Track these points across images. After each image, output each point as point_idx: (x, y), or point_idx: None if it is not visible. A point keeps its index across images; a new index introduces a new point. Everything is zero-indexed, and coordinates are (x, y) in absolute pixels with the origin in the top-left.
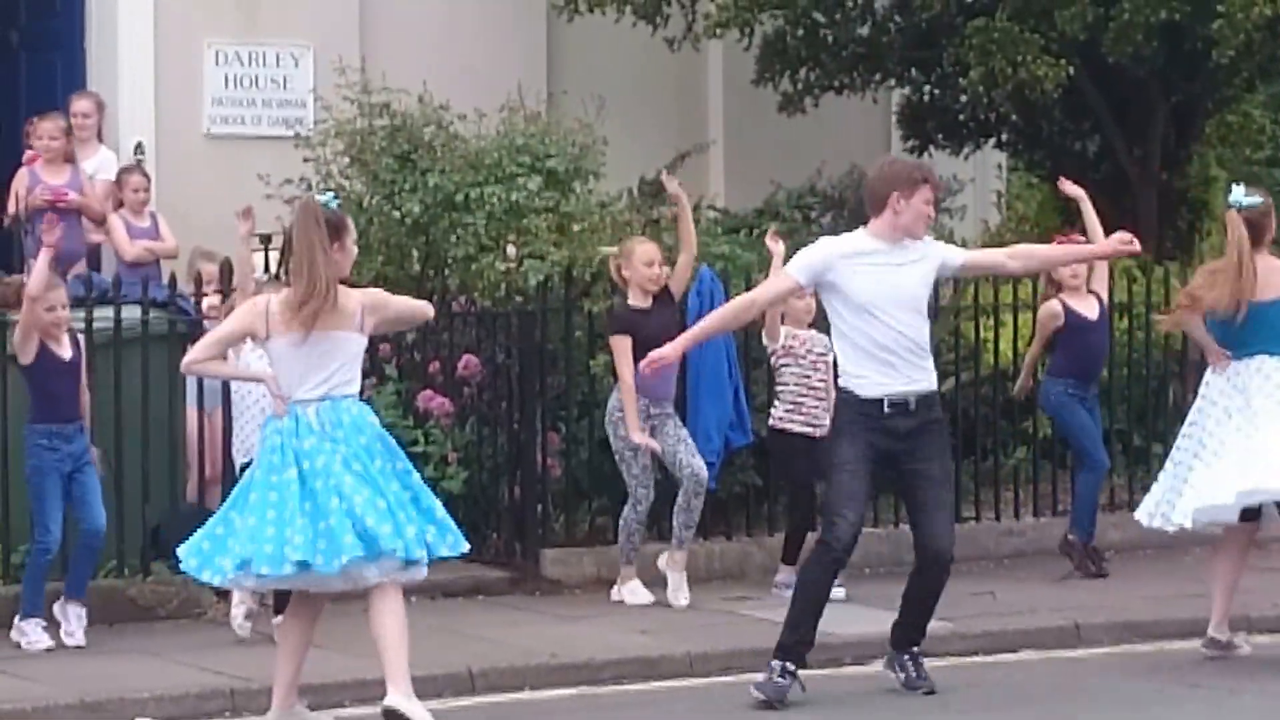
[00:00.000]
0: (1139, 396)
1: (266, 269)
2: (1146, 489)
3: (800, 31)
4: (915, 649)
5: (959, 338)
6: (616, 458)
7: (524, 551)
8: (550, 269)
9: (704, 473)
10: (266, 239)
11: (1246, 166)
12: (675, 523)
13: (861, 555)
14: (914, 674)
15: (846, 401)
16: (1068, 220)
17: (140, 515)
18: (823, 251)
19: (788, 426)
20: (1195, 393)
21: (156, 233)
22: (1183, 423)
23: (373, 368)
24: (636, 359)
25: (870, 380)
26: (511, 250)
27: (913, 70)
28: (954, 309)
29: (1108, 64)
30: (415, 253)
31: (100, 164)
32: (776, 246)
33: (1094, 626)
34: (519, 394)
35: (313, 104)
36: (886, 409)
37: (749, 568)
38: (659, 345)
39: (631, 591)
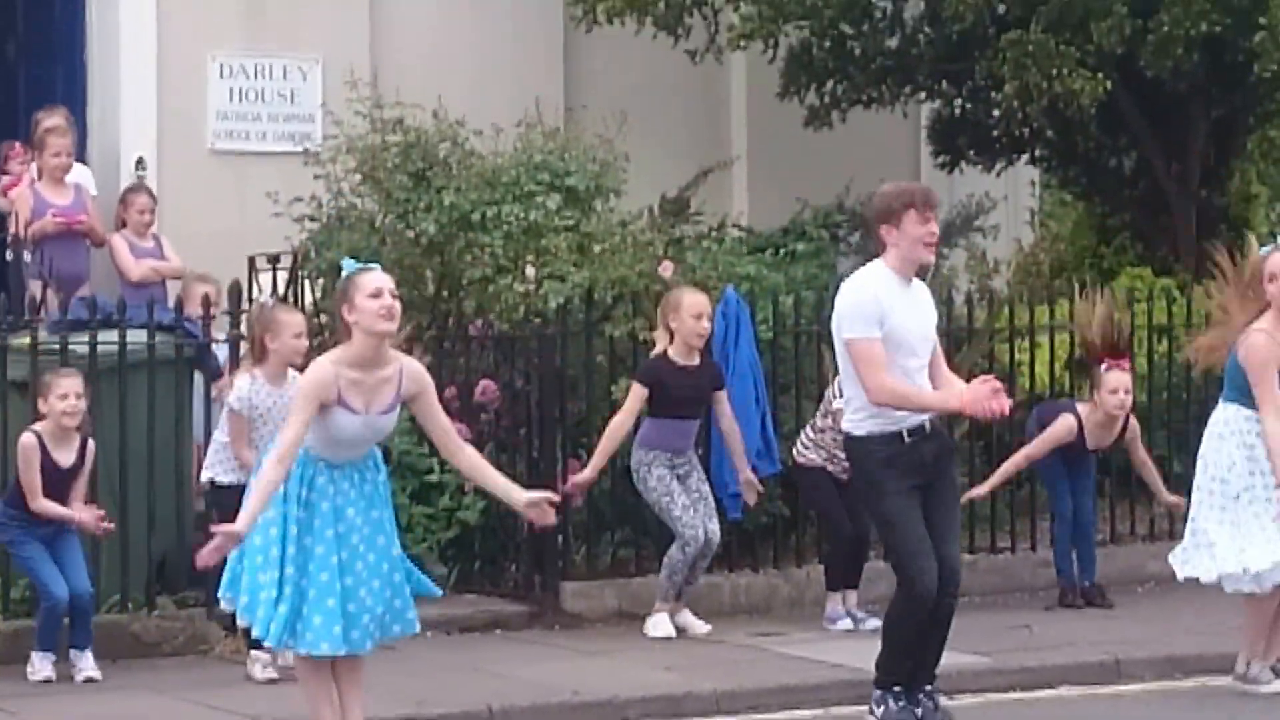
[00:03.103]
0: (1178, 421)
1: (275, 289)
2: (1184, 518)
3: (827, 43)
4: (929, 687)
5: (993, 361)
6: (655, 509)
7: (543, 584)
8: (570, 290)
9: (716, 537)
10: (274, 259)
11: None
12: (665, 575)
13: (890, 587)
14: (931, 708)
15: (869, 444)
16: (1103, 240)
17: (146, 547)
18: (872, 293)
19: (813, 462)
20: None
21: (160, 253)
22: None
23: None
24: (662, 411)
25: (891, 414)
26: (530, 271)
27: (943, 83)
28: (989, 331)
29: (1146, 77)
30: (430, 274)
31: (80, 180)
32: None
33: (1135, 661)
34: (538, 420)
35: (321, 118)
36: (907, 438)
37: (776, 601)
38: (689, 406)
39: (655, 625)
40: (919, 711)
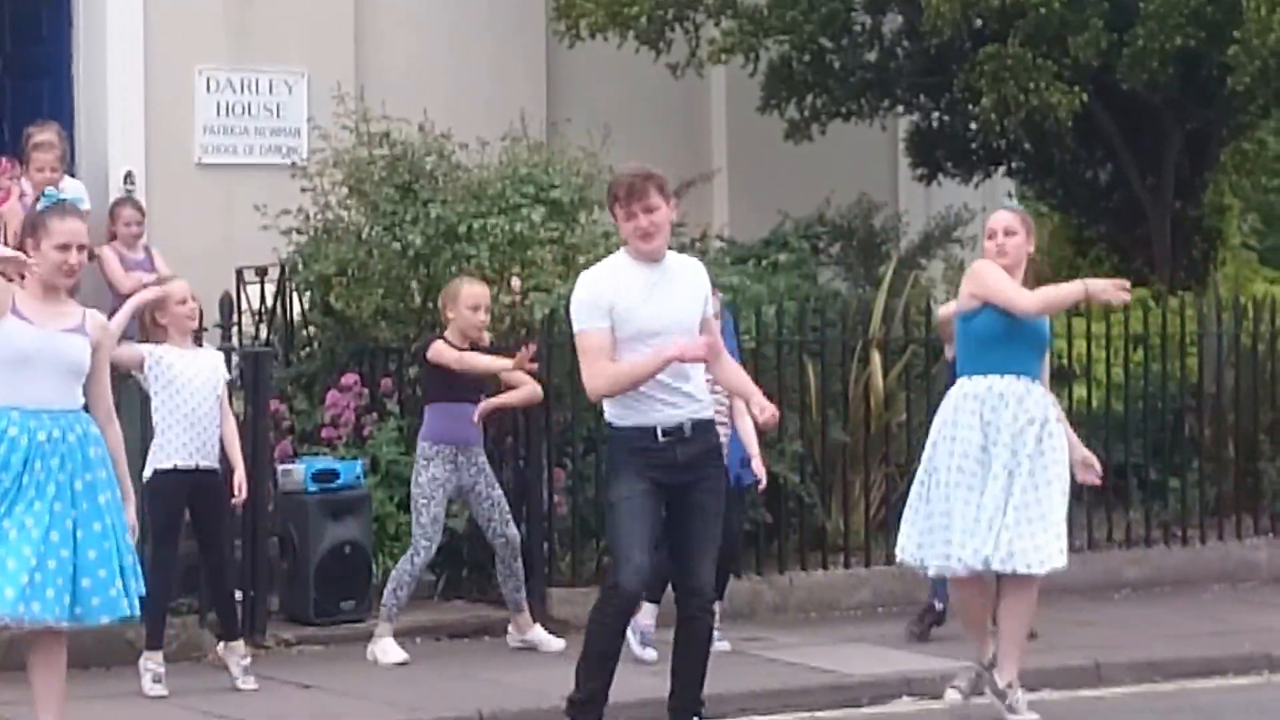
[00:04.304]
0: (1154, 430)
1: (262, 301)
2: (1164, 524)
3: (806, 57)
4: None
5: None
6: (411, 502)
7: (530, 591)
8: (556, 301)
9: (518, 540)
10: (262, 271)
11: (1261, 194)
12: (506, 589)
13: (874, 594)
14: None
15: (618, 436)
16: (1079, 252)
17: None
18: (597, 285)
19: None
20: (1210, 426)
21: (151, 265)
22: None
23: (374, 403)
24: (441, 395)
25: (639, 410)
26: (516, 283)
27: (922, 96)
28: None
29: (1121, 91)
30: (416, 285)
31: (72, 193)
32: None
33: (1115, 665)
34: (524, 430)
35: (308, 132)
36: (661, 438)
37: (760, 607)
38: (469, 388)
39: (384, 650)
40: None
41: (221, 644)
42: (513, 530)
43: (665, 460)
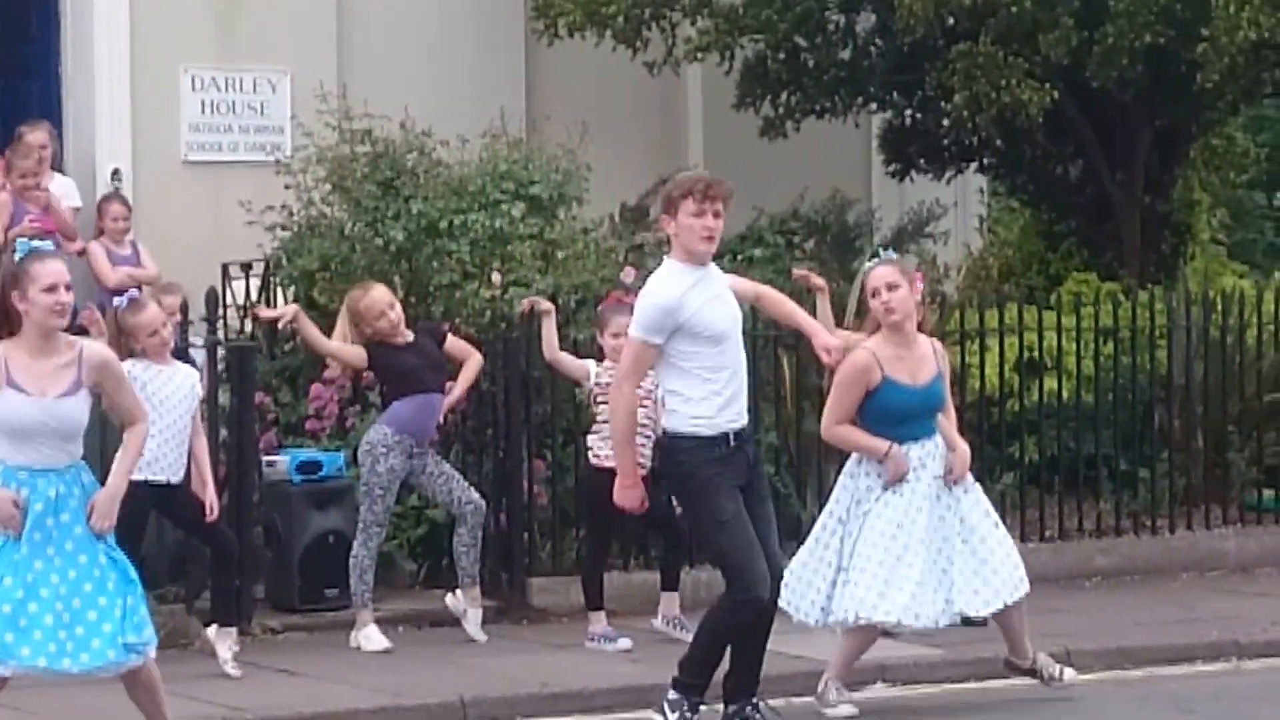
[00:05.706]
0: (1125, 422)
1: (247, 296)
2: (1134, 515)
3: (781, 55)
4: (755, 699)
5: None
6: (363, 490)
7: (510, 580)
8: (535, 296)
9: (483, 503)
10: (247, 266)
11: (1230, 190)
12: (464, 560)
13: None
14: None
15: (697, 446)
16: (1050, 247)
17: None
18: (664, 300)
19: (609, 464)
20: (1179, 418)
21: (137, 260)
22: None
23: (355, 396)
24: (405, 389)
25: (722, 416)
26: (496, 277)
27: (894, 94)
28: (939, 334)
29: (1091, 88)
30: (398, 280)
31: (62, 190)
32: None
33: (1085, 652)
34: (504, 422)
35: (291, 129)
36: (733, 442)
37: None
38: (428, 376)
39: (367, 638)
40: None
41: (213, 627)
42: (476, 494)
43: (740, 462)
